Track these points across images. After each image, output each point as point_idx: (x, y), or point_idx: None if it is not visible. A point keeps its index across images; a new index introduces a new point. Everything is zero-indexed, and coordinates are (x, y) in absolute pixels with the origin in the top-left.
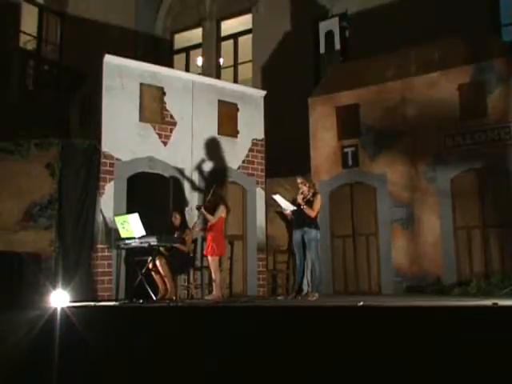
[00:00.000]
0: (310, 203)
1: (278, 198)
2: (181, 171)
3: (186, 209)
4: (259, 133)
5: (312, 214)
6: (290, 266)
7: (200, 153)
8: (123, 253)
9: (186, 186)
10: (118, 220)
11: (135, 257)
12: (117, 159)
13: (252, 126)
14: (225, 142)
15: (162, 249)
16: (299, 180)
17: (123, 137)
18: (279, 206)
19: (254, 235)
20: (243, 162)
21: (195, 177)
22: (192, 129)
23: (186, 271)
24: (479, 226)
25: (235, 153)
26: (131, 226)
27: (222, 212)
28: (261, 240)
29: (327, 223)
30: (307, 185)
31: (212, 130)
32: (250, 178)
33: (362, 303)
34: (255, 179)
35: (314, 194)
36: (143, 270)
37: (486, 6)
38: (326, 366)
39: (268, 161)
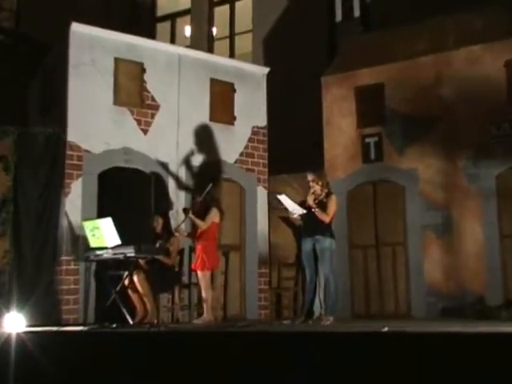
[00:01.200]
0: (323, 206)
1: (283, 199)
2: (164, 166)
3: (171, 212)
4: (261, 119)
5: (326, 218)
6: (299, 282)
7: (188, 143)
8: (93, 266)
9: (171, 184)
10: (87, 226)
11: (108, 271)
12: (86, 151)
13: (252, 110)
14: (218, 131)
15: (140, 261)
16: (310, 177)
17: (94, 124)
18: (285, 208)
19: (255, 245)
20: (241, 154)
21: (182, 173)
22: (178, 114)
23: (170, 289)
24: None
25: (231, 144)
26: (103, 234)
27: (214, 216)
28: (262, 251)
29: (344, 230)
30: (320, 183)
31: (203, 116)
32: (249, 174)
33: (386, 329)
34: (256, 176)
35: (328, 195)
36: (118, 288)
37: None
38: None
39: (272, 154)
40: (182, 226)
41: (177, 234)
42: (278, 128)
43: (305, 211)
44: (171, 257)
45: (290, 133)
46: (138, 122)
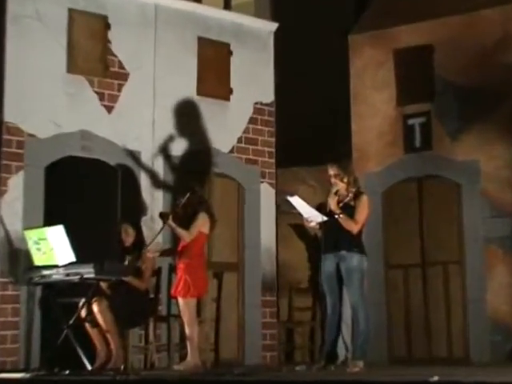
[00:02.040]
0: (349, 210)
1: (296, 201)
2: (135, 156)
3: (144, 219)
4: (266, 93)
5: (353, 227)
6: (317, 314)
7: (167, 126)
8: (38, 291)
9: (144, 180)
10: (31, 236)
11: (58, 298)
12: (29, 135)
13: (254, 81)
14: (209, 108)
15: (102, 285)
16: (332, 171)
17: (40, 99)
18: (298, 214)
19: (257, 263)
20: (239, 141)
21: (159, 165)
22: (154, 86)
23: (142, 322)
24: None
25: (226, 126)
26: (52, 247)
27: (202, 224)
28: (268, 271)
29: (379, 243)
30: (345, 180)
31: (187, 89)
32: (250, 167)
33: (436, 378)
34: (259, 170)
35: (357, 196)
36: (71, 321)
37: None
38: None
39: (280, 139)
40: (159, 241)
41: (148, 254)
42: (288, 105)
43: (325, 218)
44: (144, 279)
45: (305, 111)
46: (100, 97)
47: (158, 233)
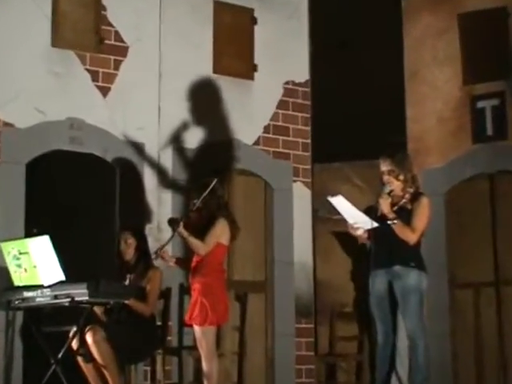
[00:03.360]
0: (405, 215)
1: (339, 202)
2: (138, 149)
3: (149, 227)
4: (299, 70)
5: (411, 237)
6: (365, 346)
7: (177, 112)
8: (19, 317)
9: (149, 179)
10: (9, 249)
11: (44, 326)
12: (6, 125)
13: (284, 55)
14: (229, 90)
15: (97, 310)
16: (385, 167)
17: (18, 79)
18: (342, 219)
19: (289, 282)
20: (266, 130)
21: (167, 161)
22: (160, 62)
23: (147, 356)
24: None
25: (250, 111)
26: (35, 263)
27: (221, 233)
28: (303, 292)
29: (442, 257)
30: (401, 177)
31: (201, 65)
32: (280, 162)
33: None
34: (291, 165)
35: (416, 197)
36: (60, 354)
37: None
38: None
39: (317, 128)
40: (167, 249)
41: (158, 258)
42: (327, 85)
43: (375, 224)
44: (149, 302)
45: (349, 93)
46: (94, 76)
47: (166, 243)
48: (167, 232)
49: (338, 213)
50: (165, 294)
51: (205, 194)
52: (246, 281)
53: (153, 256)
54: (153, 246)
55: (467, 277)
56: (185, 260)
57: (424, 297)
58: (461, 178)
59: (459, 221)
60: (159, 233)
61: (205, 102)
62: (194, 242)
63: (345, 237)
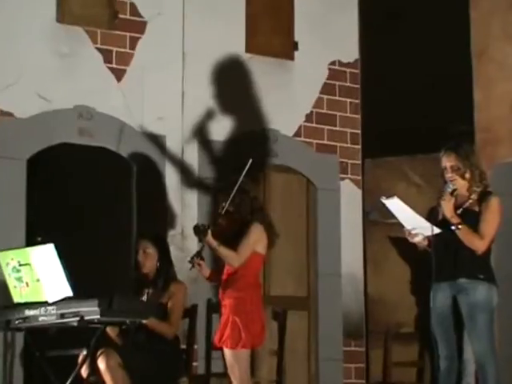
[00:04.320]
0: (472, 219)
1: (395, 204)
2: (158, 142)
3: (172, 233)
4: (347, 49)
5: (478, 244)
6: (425, 372)
7: (203, 98)
8: (20, 339)
9: (172, 177)
10: (8, 260)
11: (48, 349)
12: (4, 114)
13: (329, 31)
14: (264, 72)
15: (110, 331)
16: (448, 162)
17: (19, 62)
18: (398, 223)
19: (337, 297)
20: (308, 118)
21: (192, 156)
22: (183, 40)
23: None
24: None
25: (290, 97)
26: (38, 276)
27: (256, 241)
28: (353, 309)
29: None
30: (467, 174)
31: (232, 43)
32: (325, 156)
33: None
34: (338, 160)
35: (484, 198)
36: (67, 382)
37: None
38: None
39: (369, 117)
40: (203, 265)
41: (194, 267)
42: (380, 67)
43: (437, 230)
44: (171, 321)
45: (405, 76)
46: (106, 57)
47: (202, 248)
48: (193, 239)
49: (393, 216)
50: (190, 312)
51: (240, 181)
52: (286, 296)
53: (189, 263)
54: (176, 255)
55: None
56: (219, 273)
57: (494, 314)
58: None
59: None
60: (183, 240)
61: (236, 86)
62: (225, 252)
63: (401, 244)
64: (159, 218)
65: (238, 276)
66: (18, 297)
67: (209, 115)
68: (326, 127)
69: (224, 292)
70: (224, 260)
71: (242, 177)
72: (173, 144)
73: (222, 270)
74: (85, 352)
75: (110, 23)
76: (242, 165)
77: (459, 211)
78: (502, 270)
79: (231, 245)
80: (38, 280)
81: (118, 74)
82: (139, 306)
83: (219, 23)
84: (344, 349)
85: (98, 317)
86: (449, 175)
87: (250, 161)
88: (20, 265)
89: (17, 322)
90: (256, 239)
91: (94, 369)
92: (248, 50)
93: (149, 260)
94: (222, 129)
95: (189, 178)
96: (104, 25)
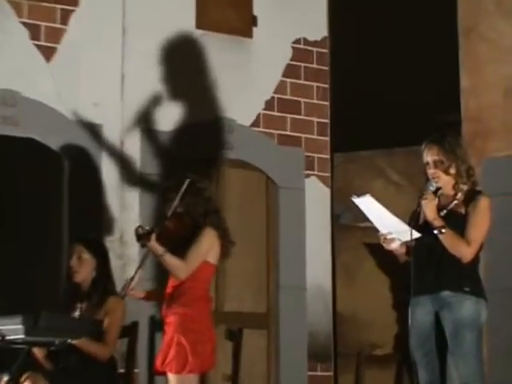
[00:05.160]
0: (458, 222)
1: (368, 204)
2: (94, 132)
3: (110, 239)
4: (314, 25)
5: (465, 251)
6: None
7: (147, 82)
8: None
9: (109, 173)
10: None
11: None
12: None
13: (294, 5)
14: (218, 51)
15: (37, 352)
16: (430, 157)
17: None
18: (372, 227)
19: (301, 314)
20: (269, 106)
21: (134, 148)
22: (124, 14)
23: None
24: None
25: (247, 81)
26: None
27: (208, 248)
28: (320, 327)
29: (509, 279)
30: (452, 170)
31: (181, 18)
32: (288, 150)
33: None
34: (303, 154)
35: (473, 197)
36: None
37: None
38: None
39: (339, 104)
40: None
41: (132, 294)
42: (352, 45)
43: (417, 234)
44: (107, 341)
45: (382, 56)
46: (33, 33)
47: (134, 276)
48: (134, 245)
49: (367, 219)
50: (130, 331)
51: (181, 194)
52: (242, 312)
53: (121, 294)
54: (115, 264)
55: None
56: (158, 291)
57: (483, 333)
58: None
59: None
60: (122, 247)
61: (185, 67)
62: (171, 261)
63: (377, 252)
64: (94, 221)
65: (185, 289)
66: None
67: (153, 101)
68: (290, 116)
69: (168, 308)
70: (169, 270)
71: (175, 204)
72: (111, 134)
73: (163, 288)
74: (6, 377)
75: None
76: (193, 159)
77: (443, 213)
78: (492, 281)
79: (179, 252)
80: None
81: (47, 53)
82: (70, 323)
83: None
84: (309, 373)
85: (23, 336)
86: (431, 171)
87: (187, 181)
88: None
89: None
90: (208, 247)
91: None
92: (199, 25)
93: (84, 267)
94: (168, 117)
95: (130, 175)
96: None
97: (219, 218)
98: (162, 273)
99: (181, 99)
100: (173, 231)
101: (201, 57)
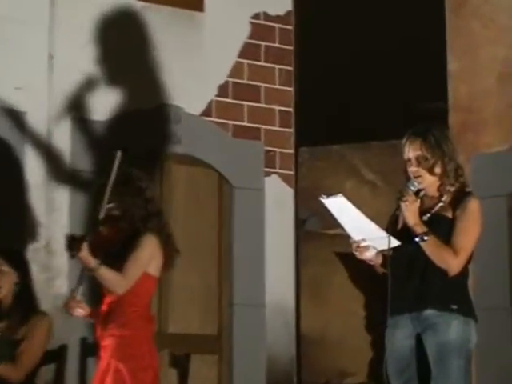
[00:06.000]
0: (443, 228)
1: (339, 206)
2: (16, 120)
3: (33, 247)
4: None
5: (453, 263)
6: None
7: (78, 63)
8: None
9: (33, 169)
10: None
11: None
12: None
13: None
14: (163, 27)
15: None
16: (412, 152)
17: None
18: (344, 234)
19: (258, 336)
20: (222, 91)
21: (63, 141)
22: None
23: None
24: None
25: (197, 62)
26: None
27: (149, 258)
28: (280, 351)
29: (503, 296)
30: (437, 169)
31: None
32: (245, 144)
33: None
34: (262, 148)
35: (461, 199)
36: None
37: None
38: None
39: (306, 90)
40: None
41: (73, 308)
42: (322, 21)
43: (395, 243)
44: (21, 362)
45: (356, 33)
46: None
47: (78, 287)
48: (62, 255)
49: (338, 224)
50: (57, 356)
51: (114, 171)
52: (189, 334)
53: (64, 309)
54: (38, 277)
55: None
56: (95, 312)
57: (471, 358)
58: None
59: None
60: (49, 256)
61: (124, 46)
62: (106, 274)
63: (348, 262)
64: (16, 226)
65: (123, 306)
66: None
67: (86, 86)
68: (247, 103)
69: (103, 329)
70: (104, 285)
71: (113, 173)
72: (36, 124)
73: (101, 302)
74: None
75: None
76: (133, 153)
77: (426, 217)
78: (484, 298)
79: (115, 263)
80: None
81: None
82: None
83: None
84: None
85: None
86: (413, 169)
87: (119, 153)
88: None
89: None
90: (149, 256)
91: None
92: None
93: (4, 281)
94: (104, 105)
95: (58, 171)
96: None
97: (162, 222)
98: (96, 286)
99: (118, 84)
100: (107, 238)
101: (142, 34)
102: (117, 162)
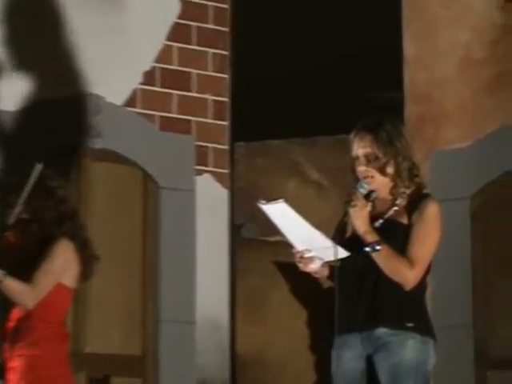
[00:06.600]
0: (398, 235)
1: (280, 212)
2: None
3: None
4: None
5: (408, 275)
6: None
7: None
8: None
9: None
10: None
11: None
12: None
13: None
14: (79, 4)
15: None
16: (362, 148)
17: None
18: (285, 243)
19: (187, 356)
20: (148, 79)
21: None
22: None
23: None
24: None
25: (119, 45)
26: None
27: (63, 267)
28: (212, 375)
29: (465, 313)
30: (389, 168)
31: None
32: (173, 138)
33: None
34: (192, 142)
35: (418, 203)
36: None
37: None
38: None
39: (242, 76)
40: None
41: None
42: (260, 2)
43: (344, 253)
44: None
45: (300, 15)
46: None
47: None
48: None
49: (278, 231)
50: None
51: (30, 185)
52: (109, 354)
53: None
54: None
55: (510, 347)
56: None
57: (429, 381)
58: (500, 170)
59: (498, 244)
60: None
61: (34, 28)
62: (13, 285)
63: (290, 274)
64: None
65: (33, 322)
66: None
67: None
68: (176, 92)
69: (11, 348)
70: (11, 298)
71: (29, 186)
72: None
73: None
74: None
75: None
76: (45, 148)
77: (378, 223)
78: (443, 315)
79: (24, 272)
80: None
81: None
82: None
83: None
84: None
85: None
86: (362, 168)
87: (40, 166)
88: None
89: None
90: (62, 264)
91: None
92: None
93: None
94: (11, 93)
95: None
96: None
97: (78, 225)
98: (1, 299)
99: (30, 70)
100: (15, 244)
101: (56, 13)
102: (35, 175)
